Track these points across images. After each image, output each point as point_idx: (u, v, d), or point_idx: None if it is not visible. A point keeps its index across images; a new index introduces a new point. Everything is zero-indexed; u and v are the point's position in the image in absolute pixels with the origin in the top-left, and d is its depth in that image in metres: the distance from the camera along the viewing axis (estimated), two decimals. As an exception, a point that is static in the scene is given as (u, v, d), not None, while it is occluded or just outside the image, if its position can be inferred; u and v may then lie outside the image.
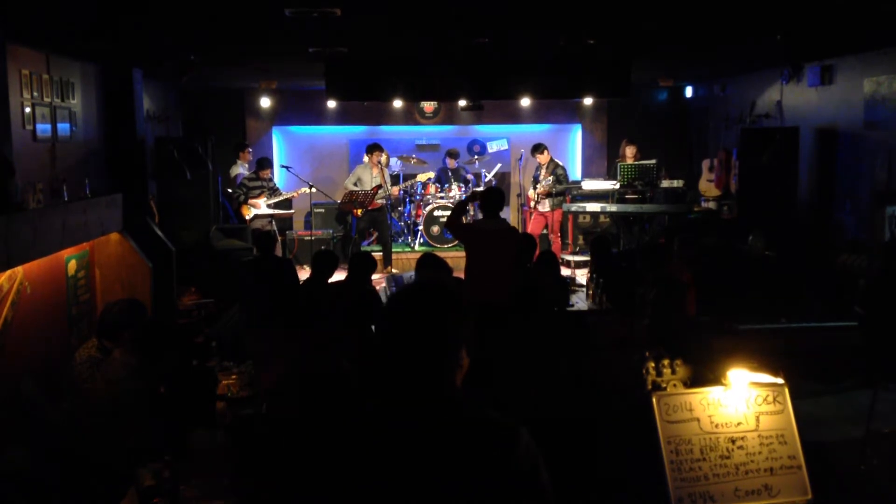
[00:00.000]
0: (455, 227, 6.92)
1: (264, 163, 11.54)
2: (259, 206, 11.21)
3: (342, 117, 13.29)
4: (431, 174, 12.37)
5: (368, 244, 11.97)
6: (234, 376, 4.99)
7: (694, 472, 3.23)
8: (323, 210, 12.28)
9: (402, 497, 1.93)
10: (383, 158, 11.78)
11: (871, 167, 8.39)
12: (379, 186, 11.24)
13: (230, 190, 11.60)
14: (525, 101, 12.01)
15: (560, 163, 11.74)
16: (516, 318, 4.81)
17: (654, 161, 11.57)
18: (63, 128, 7.45)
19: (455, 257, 7.04)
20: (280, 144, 13.69)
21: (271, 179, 11.67)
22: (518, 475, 1.93)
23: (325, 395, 3.31)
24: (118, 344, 4.64)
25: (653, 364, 3.40)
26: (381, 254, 11.16)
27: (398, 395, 1.99)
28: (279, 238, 10.78)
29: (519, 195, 12.94)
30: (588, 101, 12.76)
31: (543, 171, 11.50)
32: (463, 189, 12.23)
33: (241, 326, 6.44)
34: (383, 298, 6.87)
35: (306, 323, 5.82)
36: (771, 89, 10.58)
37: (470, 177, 12.65)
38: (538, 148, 11.55)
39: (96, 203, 5.58)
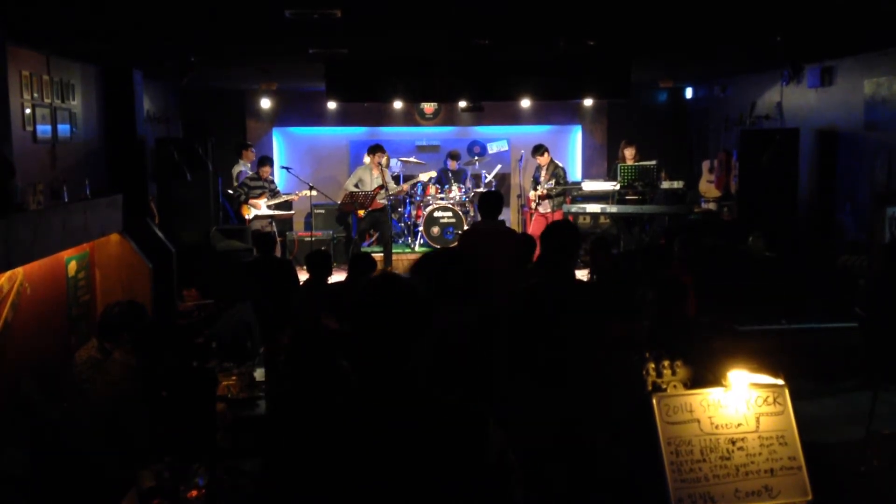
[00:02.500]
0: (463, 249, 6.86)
1: (264, 160, 11.53)
2: (259, 207, 11.21)
3: (342, 118, 13.30)
4: (433, 173, 12.36)
5: (369, 245, 11.97)
6: (234, 377, 4.99)
7: (694, 473, 3.23)
8: (323, 211, 12.27)
9: (375, 483, 2.00)
10: (384, 160, 11.78)
11: (871, 168, 8.39)
12: (380, 187, 11.23)
13: (230, 190, 11.60)
14: (525, 102, 12.00)
15: (560, 164, 11.74)
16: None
17: (654, 162, 11.57)
18: (63, 129, 7.46)
19: (455, 258, 7.02)
20: (280, 145, 13.70)
21: (272, 181, 11.67)
22: (486, 459, 2.03)
23: (325, 394, 3.32)
24: (118, 345, 4.64)
25: (653, 365, 3.40)
26: (381, 254, 11.16)
27: (369, 385, 2.09)
28: (279, 239, 10.79)
29: (519, 196, 12.94)
30: (588, 102, 12.76)
31: (544, 173, 11.50)
32: (463, 190, 12.24)
33: (241, 327, 6.44)
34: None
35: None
36: (771, 90, 10.58)
37: (469, 182, 12.62)
38: (539, 149, 11.56)
39: (96, 204, 5.58)
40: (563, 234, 4.47)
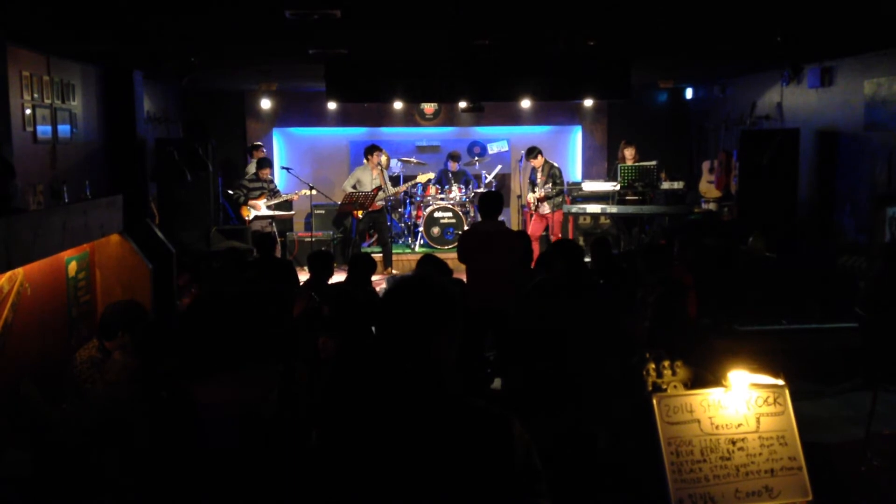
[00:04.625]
0: (463, 256, 6.84)
1: (264, 163, 11.55)
2: (259, 208, 11.22)
3: (342, 119, 13.31)
4: (431, 175, 12.37)
5: (368, 245, 11.97)
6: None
7: (694, 474, 3.23)
8: (323, 211, 12.28)
9: (401, 486, 1.96)
10: (383, 160, 11.78)
11: (872, 169, 8.39)
12: (379, 188, 11.24)
13: (231, 191, 11.61)
14: (525, 103, 12.01)
15: (555, 164, 11.71)
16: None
17: (654, 162, 11.58)
18: (63, 129, 7.46)
19: (455, 259, 7.03)
20: (280, 146, 13.70)
21: (272, 181, 11.68)
22: (513, 463, 1.99)
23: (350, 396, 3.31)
24: (115, 344, 4.64)
25: (653, 365, 3.40)
26: (381, 255, 11.17)
27: (394, 387, 2.05)
28: (279, 239, 10.78)
29: (519, 197, 12.95)
30: (588, 102, 12.77)
31: (539, 175, 11.48)
32: (463, 190, 12.24)
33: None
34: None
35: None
36: (771, 91, 10.59)
37: (470, 183, 12.62)
38: (532, 152, 11.51)
39: (97, 204, 5.57)
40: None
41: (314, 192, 11.32)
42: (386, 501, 1.97)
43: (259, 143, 12.54)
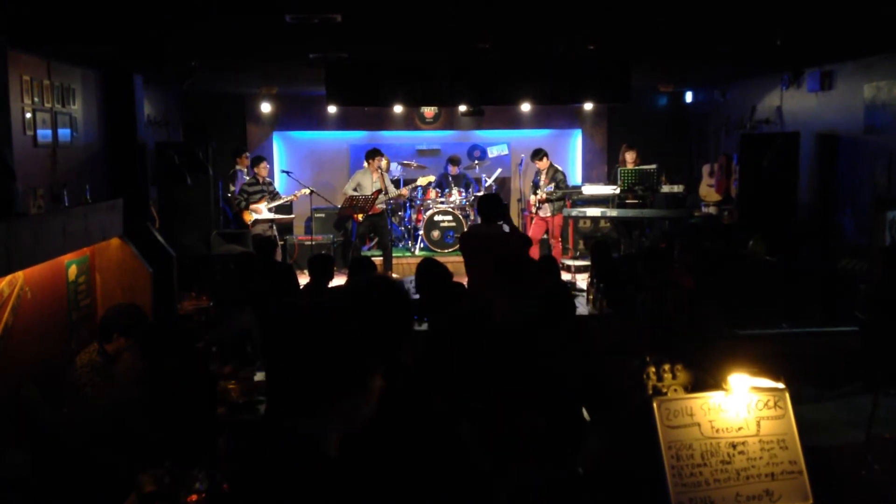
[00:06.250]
0: (463, 257, 6.86)
1: (258, 160, 11.51)
2: (260, 212, 11.22)
3: (343, 122, 13.31)
4: (432, 178, 12.38)
5: (369, 249, 11.97)
6: (233, 382, 4.99)
7: (695, 478, 3.22)
8: (323, 215, 12.29)
9: (354, 483, 1.98)
10: (383, 163, 11.79)
11: (872, 172, 8.40)
12: (379, 191, 11.24)
13: (229, 194, 11.61)
14: (525, 106, 12.01)
15: (560, 168, 11.75)
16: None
17: (654, 166, 11.59)
18: (64, 133, 7.47)
19: (455, 262, 7.04)
20: (281, 149, 13.71)
21: (271, 182, 11.67)
22: (459, 461, 2.05)
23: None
24: (112, 347, 4.65)
25: (653, 369, 3.40)
26: (381, 258, 11.17)
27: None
28: (279, 243, 10.79)
29: (520, 200, 12.95)
30: (588, 106, 12.77)
31: (543, 177, 11.50)
32: (463, 194, 12.24)
33: (242, 332, 6.43)
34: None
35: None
36: (771, 95, 10.60)
37: (471, 186, 12.63)
38: (538, 154, 11.55)
39: (97, 208, 5.58)
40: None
41: (313, 194, 11.32)
42: (355, 492, 2.00)
43: (244, 149, 12.52)
